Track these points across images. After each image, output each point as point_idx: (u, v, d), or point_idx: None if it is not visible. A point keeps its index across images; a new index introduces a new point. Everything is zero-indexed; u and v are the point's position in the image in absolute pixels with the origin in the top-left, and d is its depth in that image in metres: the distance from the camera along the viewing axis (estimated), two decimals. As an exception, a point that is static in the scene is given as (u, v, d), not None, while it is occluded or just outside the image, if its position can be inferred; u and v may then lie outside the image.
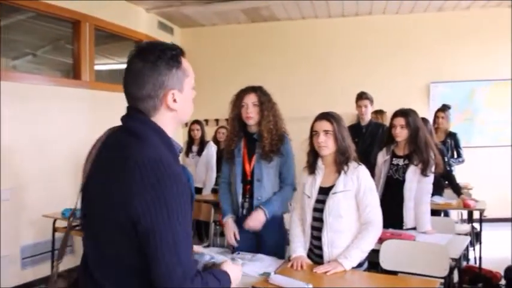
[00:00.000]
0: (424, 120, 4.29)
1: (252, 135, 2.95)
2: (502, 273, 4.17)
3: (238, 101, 2.92)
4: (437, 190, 4.41)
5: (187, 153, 5.79)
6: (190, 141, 5.85)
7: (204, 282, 1.29)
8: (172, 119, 1.40)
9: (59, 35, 5.45)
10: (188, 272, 1.25)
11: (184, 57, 1.41)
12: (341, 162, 2.52)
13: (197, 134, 5.77)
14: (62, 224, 4.39)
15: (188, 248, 1.29)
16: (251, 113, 2.86)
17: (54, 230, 4.41)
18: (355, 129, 4.69)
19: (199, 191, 5.47)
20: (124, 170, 1.25)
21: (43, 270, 4.67)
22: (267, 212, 2.83)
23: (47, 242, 4.60)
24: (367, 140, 4.66)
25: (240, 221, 2.94)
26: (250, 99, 2.87)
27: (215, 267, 1.49)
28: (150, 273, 1.24)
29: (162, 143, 1.34)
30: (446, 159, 4.53)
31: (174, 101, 1.37)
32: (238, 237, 2.90)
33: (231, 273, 1.43)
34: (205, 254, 1.57)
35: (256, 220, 2.82)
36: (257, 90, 2.92)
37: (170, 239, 1.22)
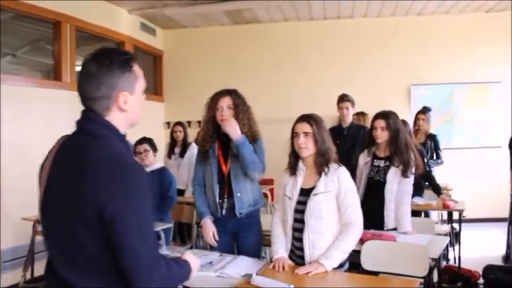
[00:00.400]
0: (404, 122, 4.35)
1: (226, 137, 2.96)
2: (481, 272, 4.24)
3: (213, 103, 2.94)
4: (417, 191, 4.47)
5: (169, 155, 5.78)
6: (173, 142, 5.83)
7: (168, 264, 1.43)
8: (123, 119, 1.50)
9: (40, 35, 5.39)
10: (154, 254, 1.38)
11: (135, 62, 1.52)
12: (321, 163, 2.54)
13: (179, 136, 5.75)
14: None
15: (152, 232, 1.41)
16: (226, 115, 2.88)
17: (34, 233, 4.35)
18: (337, 131, 4.73)
19: (181, 192, 5.44)
20: (87, 168, 1.35)
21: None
22: (243, 139, 2.82)
23: (27, 246, 4.53)
24: (348, 141, 4.69)
25: (218, 222, 2.96)
26: (225, 102, 2.90)
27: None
28: (117, 260, 1.33)
29: (118, 141, 1.46)
30: (425, 160, 4.60)
31: (125, 102, 1.47)
32: (217, 238, 2.92)
33: (190, 262, 1.58)
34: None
35: (233, 129, 2.82)
36: (232, 93, 2.95)
37: (135, 224, 1.33)
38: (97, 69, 1.44)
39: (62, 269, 1.41)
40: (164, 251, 1.72)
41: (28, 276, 4.52)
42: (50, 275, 1.47)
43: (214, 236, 2.93)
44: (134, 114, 1.53)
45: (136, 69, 1.51)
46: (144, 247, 1.34)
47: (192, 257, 1.64)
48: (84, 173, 1.35)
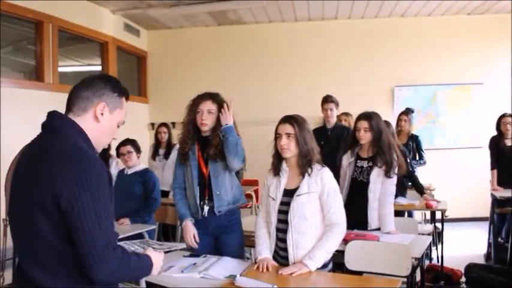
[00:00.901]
0: (387, 123, 4.38)
1: (206, 139, 2.98)
2: (463, 271, 4.30)
3: (194, 106, 2.95)
4: (400, 191, 4.52)
5: (154, 157, 5.74)
6: (157, 144, 5.81)
7: (125, 254, 1.46)
8: (92, 128, 1.55)
9: (21, 35, 5.32)
10: (110, 242, 1.41)
11: (127, 98, 1.65)
12: (304, 164, 2.55)
13: (164, 137, 5.73)
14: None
15: (109, 221, 1.44)
16: (205, 119, 2.90)
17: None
18: (321, 132, 4.75)
19: (165, 194, 5.41)
20: (46, 158, 1.41)
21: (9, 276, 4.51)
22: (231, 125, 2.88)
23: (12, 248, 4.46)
24: (332, 142, 4.71)
25: (200, 224, 2.96)
26: (206, 106, 2.91)
27: None
28: (75, 248, 1.37)
29: (82, 141, 1.51)
30: (408, 161, 4.64)
31: (102, 113, 1.55)
32: (198, 240, 2.92)
33: (152, 258, 1.62)
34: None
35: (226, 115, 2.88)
36: (214, 97, 2.95)
37: (92, 212, 1.36)
38: (96, 78, 1.59)
39: (29, 268, 1.43)
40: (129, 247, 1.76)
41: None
42: (20, 278, 1.49)
43: (195, 237, 2.93)
44: (103, 133, 1.59)
45: (125, 103, 1.64)
46: (100, 234, 1.37)
47: (155, 253, 1.67)
48: (42, 162, 1.41)
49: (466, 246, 5.71)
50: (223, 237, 2.97)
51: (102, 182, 1.42)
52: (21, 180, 1.47)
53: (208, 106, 2.91)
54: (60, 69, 5.60)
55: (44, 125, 1.55)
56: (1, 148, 4.52)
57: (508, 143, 5.18)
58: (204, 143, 2.98)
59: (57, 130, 1.49)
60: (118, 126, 1.64)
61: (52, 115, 1.54)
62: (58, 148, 1.43)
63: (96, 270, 1.36)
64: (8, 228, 4.16)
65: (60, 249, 1.39)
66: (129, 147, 4.27)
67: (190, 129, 2.99)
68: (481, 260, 5.05)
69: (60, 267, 1.40)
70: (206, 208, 2.95)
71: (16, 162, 1.54)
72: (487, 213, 5.47)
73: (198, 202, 2.96)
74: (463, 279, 4.28)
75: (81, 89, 1.55)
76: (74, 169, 1.37)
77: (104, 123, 1.56)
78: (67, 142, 1.45)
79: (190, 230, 2.94)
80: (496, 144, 5.31)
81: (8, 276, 4.46)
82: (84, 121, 1.54)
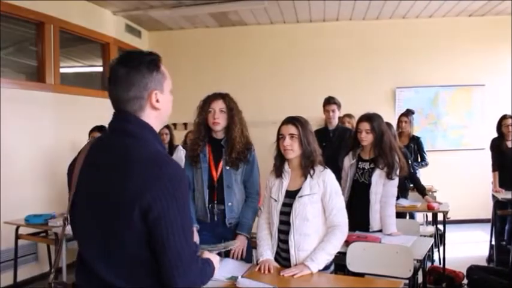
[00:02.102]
0: (388, 124, 4.38)
1: (217, 141, 2.96)
2: (465, 273, 4.29)
3: (205, 106, 2.92)
4: (402, 192, 4.52)
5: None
6: (159, 145, 5.79)
7: (203, 263, 1.51)
8: (156, 118, 1.51)
9: (23, 36, 5.32)
10: (194, 253, 1.44)
11: (161, 62, 1.55)
12: (306, 165, 2.54)
13: (166, 138, 5.72)
14: (25, 230, 4.27)
15: (191, 231, 1.47)
16: (218, 118, 2.88)
17: (17, 237, 4.30)
18: (323, 133, 4.75)
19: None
20: (129, 167, 1.36)
21: (5, 279, 4.52)
22: (247, 235, 2.91)
23: (9, 250, 4.46)
24: (334, 144, 4.71)
25: (207, 226, 2.94)
26: (218, 106, 2.89)
27: None
28: (157, 257, 1.36)
29: (156, 141, 1.48)
30: (410, 162, 4.64)
31: (157, 101, 1.49)
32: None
33: (212, 260, 1.65)
34: None
35: (241, 245, 2.88)
36: (225, 97, 2.94)
37: (179, 225, 1.36)
38: (126, 71, 1.45)
39: (101, 270, 1.41)
40: None
41: (11, 281, 4.46)
42: (85, 277, 1.48)
43: None
44: (166, 112, 1.55)
45: (163, 68, 1.55)
46: (185, 245, 1.38)
47: (212, 255, 1.70)
48: (125, 171, 1.36)
49: (468, 248, 5.70)
50: (230, 239, 2.92)
51: (185, 189, 1.41)
52: (100, 185, 1.41)
53: (220, 105, 2.89)
54: (62, 70, 5.59)
55: (116, 127, 1.48)
56: (1, 148, 4.53)
57: (509, 144, 5.18)
58: (215, 145, 2.96)
59: (134, 134, 1.44)
60: (171, 93, 1.58)
61: (124, 117, 1.47)
62: (140, 156, 1.38)
63: (179, 279, 1.37)
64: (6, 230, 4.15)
65: (139, 256, 1.39)
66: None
67: (201, 130, 2.96)
68: (483, 262, 5.03)
69: (138, 272, 1.40)
70: (215, 212, 2.92)
71: (84, 162, 1.49)
72: (488, 215, 5.46)
73: (207, 205, 2.93)
74: (465, 281, 4.27)
75: (123, 89, 1.45)
76: (160, 180, 1.34)
77: (163, 105, 1.51)
78: (148, 148, 1.42)
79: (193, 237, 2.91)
80: (497, 146, 5.31)
81: (5, 278, 4.48)
82: (147, 116, 1.48)
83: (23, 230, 4.28)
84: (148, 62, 1.49)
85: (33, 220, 4.14)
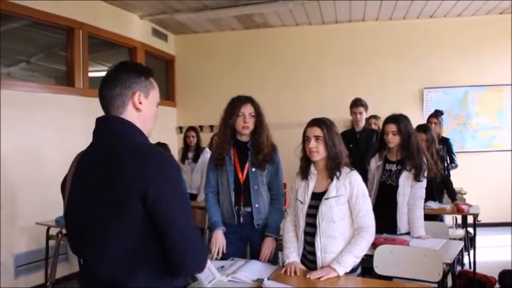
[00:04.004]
0: (427, 127, 4.33)
1: (242, 144, 2.96)
2: (497, 278, 4.18)
3: (235, 110, 2.91)
4: (438, 195, 4.46)
5: (183, 160, 5.80)
6: (186, 147, 5.86)
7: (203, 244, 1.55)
8: (138, 119, 1.54)
9: (53, 42, 5.45)
10: (196, 232, 1.47)
11: (152, 76, 1.61)
12: (332, 167, 2.53)
13: (193, 141, 5.78)
14: (56, 231, 4.36)
15: (190, 211, 1.51)
16: (248, 123, 2.89)
17: (48, 237, 4.40)
18: (350, 135, 4.72)
19: (194, 197, 5.46)
20: (119, 157, 1.41)
21: (36, 278, 4.64)
22: (276, 236, 2.91)
23: (40, 250, 4.58)
24: (361, 145, 4.68)
25: (233, 228, 2.95)
26: (248, 110, 2.90)
27: None
28: (163, 241, 1.38)
29: (140, 135, 1.53)
30: (445, 165, 4.56)
31: (140, 102, 1.54)
32: (225, 251, 2.88)
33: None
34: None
35: (270, 248, 2.88)
36: (253, 100, 2.95)
37: (178, 202, 1.39)
38: (115, 72, 1.54)
39: (100, 267, 1.43)
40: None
41: (42, 280, 4.57)
42: (86, 278, 1.50)
43: (222, 249, 2.88)
44: (148, 119, 1.57)
45: (153, 81, 1.60)
46: (189, 224, 1.42)
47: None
48: (114, 167, 1.40)
49: (499, 252, 5.56)
50: (257, 242, 2.93)
51: (176, 172, 1.47)
52: (93, 187, 1.44)
53: (249, 109, 2.90)
54: (90, 75, 5.71)
55: (100, 130, 1.53)
56: (34, 151, 4.65)
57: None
58: (240, 148, 2.97)
59: (118, 132, 1.49)
60: (156, 107, 1.63)
61: (106, 119, 1.53)
62: (127, 148, 1.43)
63: (187, 256, 1.39)
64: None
65: (141, 249, 1.40)
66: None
67: (228, 133, 2.96)
68: (516, 267, 4.90)
69: (140, 267, 1.41)
70: (242, 214, 2.93)
71: (74, 174, 1.53)
72: (521, 217, 5.32)
73: (233, 207, 2.94)
74: (497, 286, 4.17)
75: (109, 88, 1.52)
76: (150, 166, 1.38)
77: (145, 110, 1.55)
78: (135, 140, 1.47)
79: (220, 241, 2.89)
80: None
81: (37, 277, 4.59)
82: (129, 116, 1.52)
83: (54, 231, 4.38)
84: (139, 69, 1.58)
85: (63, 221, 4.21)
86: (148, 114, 1.56)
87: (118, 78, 1.52)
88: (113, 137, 1.48)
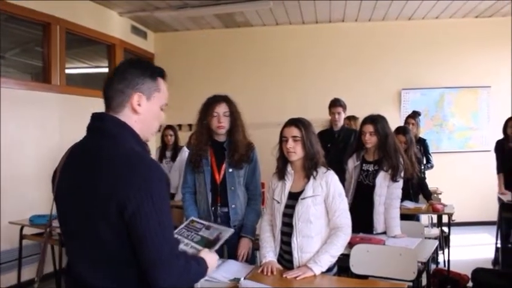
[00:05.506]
0: (405, 129, 4.39)
1: (219, 144, 2.96)
2: (470, 276, 4.26)
3: (209, 110, 2.91)
4: (415, 196, 4.52)
5: (160, 159, 5.75)
6: (164, 146, 5.82)
7: (187, 261, 1.46)
8: (136, 122, 1.49)
9: (29, 37, 5.35)
10: (174, 249, 1.41)
11: (164, 79, 1.57)
12: (309, 167, 2.54)
13: (170, 140, 5.73)
14: (29, 231, 4.29)
15: (171, 228, 1.43)
16: (223, 122, 2.88)
17: (22, 237, 4.31)
18: (328, 134, 4.75)
19: (171, 196, 5.42)
20: (102, 166, 1.37)
21: (9, 279, 4.53)
22: (252, 237, 2.92)
23: (13, 250, 4.48)
24: (339, 145, 4.71)
25: None
26: (222, 109, 2.89)
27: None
28: (137, 255, 1.35)
29: (133, 140, 1.46)
30: (421, 167, 4.62)
31: (139, 104, 1.48)
32: None
33: (207, 260, 1.59)
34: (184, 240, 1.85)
35: (246, 248, 2.88)
36: (227, 100, 2.94)
37: (155, 220, 1.33)
38: (125, 67, 1.51)
39: (83, 270, 1.41)
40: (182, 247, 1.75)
41: (15, 281, 4.48)
42: (70, 278, 1.49)
43: None
44: (147, 122, 1.52)
45: (161, 83, 1.56)
46: (164, 242, 1.35)
47: (210, 255, 1.66)
48: (99, 171, 1.36)
49: (473, 251, 5.67)
50: (234, 241, 2.91)
51: (162, 187, 1.38)
52: (76, 186, 1.41)
53: (224, 109, 2.89)
54: (68, 71, 5.62)
55: (93, 128, 1.49)
56: (6, 148, 4.55)
57: (515, 146, 5.14)
58: (217, 148, 2.96)
59: (110, 133, 1.44)
60: (162, 109, 1.58)
61: (101, 117, 1.49)
62: (115, 154, 1.38)
63: (160, 279, 1.34)
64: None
65: (123, 258, 1.37)
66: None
67: (204, 134, 2.96)
68: (489, 265, 4.99)
69: (124, 275, 1.38)
70: (219, 215, 2.93)
71: (63, 165, 1.50)
72: (494, 217, 5.42)
73: (210, 208, 2.94)
74: (470, 284, 4.24)
75: (116, 81, 1.48)
76: (135, 177, 1.33)
77: (144, 114, 1.50)
78: (124, 147, 1.41)
79: None
80: (502, 148, 5.27)
81: (9, 278, 4.50)
82: (126, 117, 1.48)
83: (27, 230, 4.29)
84: (152, 70, 1.53)
85: (37, 220, 4.15)
86: (148, 117, 1.51)
87: (126, 74, 1.49)
88: (103, 138, 1.43)
